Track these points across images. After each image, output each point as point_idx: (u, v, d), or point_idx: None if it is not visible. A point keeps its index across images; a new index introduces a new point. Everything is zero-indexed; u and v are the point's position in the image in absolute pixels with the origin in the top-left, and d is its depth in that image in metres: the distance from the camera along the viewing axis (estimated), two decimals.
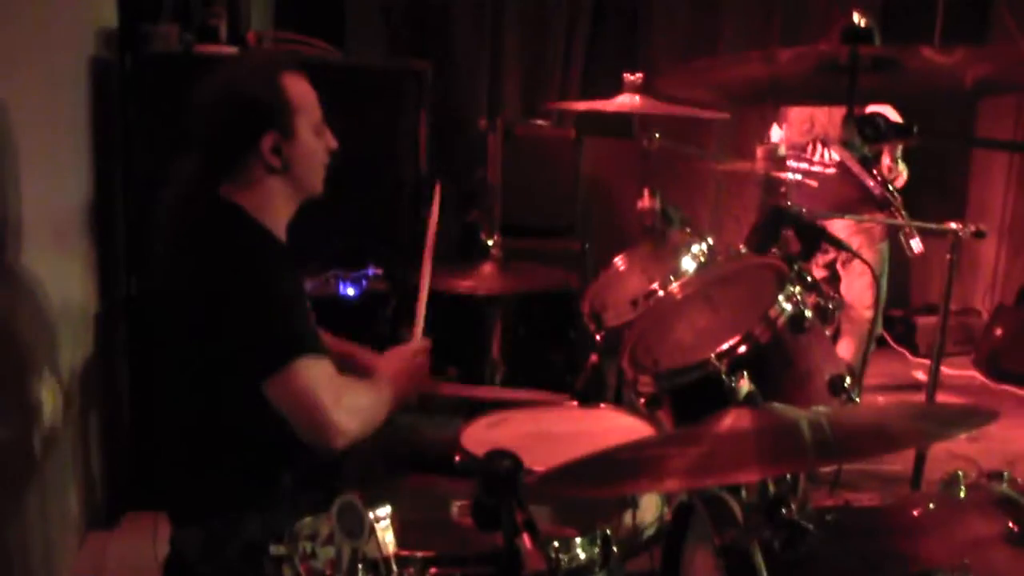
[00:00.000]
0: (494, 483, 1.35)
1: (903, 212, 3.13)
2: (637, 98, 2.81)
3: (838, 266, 4.08)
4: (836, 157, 3.40)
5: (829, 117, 3.91)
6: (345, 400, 1.77)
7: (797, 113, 4.02)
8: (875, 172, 3.44)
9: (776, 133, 4.00)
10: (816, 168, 3.15)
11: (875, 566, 1.48)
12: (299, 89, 1.90)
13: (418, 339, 2.09)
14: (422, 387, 2.07)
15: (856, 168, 3.36)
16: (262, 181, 1.88)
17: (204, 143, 1.91)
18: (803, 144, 3.94)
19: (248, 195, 1.88)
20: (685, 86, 2.51)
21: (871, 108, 3.59)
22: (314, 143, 1.92)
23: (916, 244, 2.84)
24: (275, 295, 1.80)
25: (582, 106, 2.99)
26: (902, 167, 3.96)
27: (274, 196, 1.90)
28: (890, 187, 3.47)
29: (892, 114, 3.60)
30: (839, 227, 3.89)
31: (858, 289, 4.01)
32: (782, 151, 3.05)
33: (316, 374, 1.75)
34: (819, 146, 3.84)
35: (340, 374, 1.81)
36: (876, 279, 3.88)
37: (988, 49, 3.49)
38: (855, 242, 3.98)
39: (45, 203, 2.52)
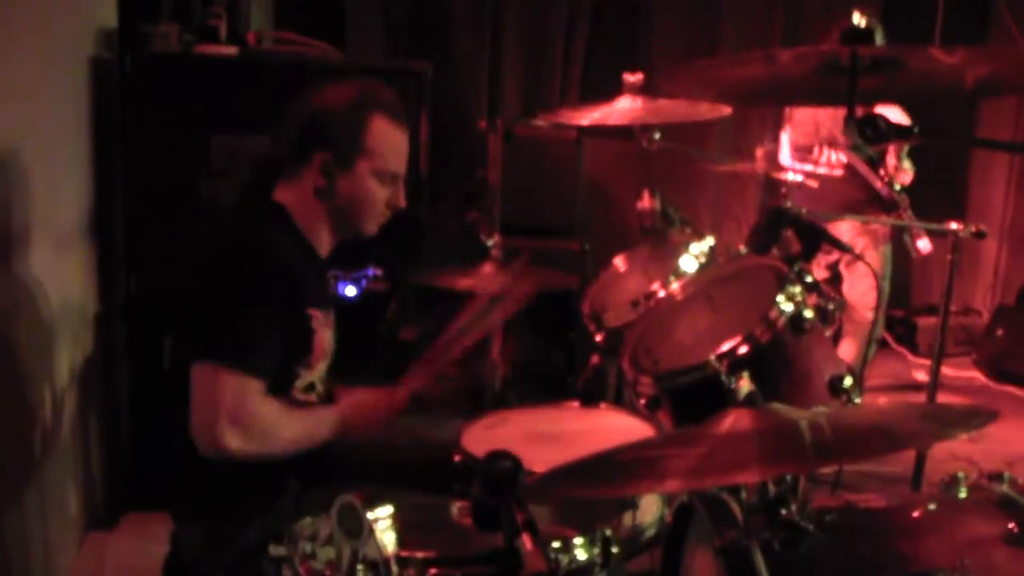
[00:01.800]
0: (494, 484, 1.35)
1: (910, 213, 3.13)
2: (639, 101, 2.80)
3: (841, 267, 4.06)
4: (843, 159, 3.40)
5: (833, 119, 3.90)
6: (246, 419, 1.74)
7: (802, 115, 4.01)
8: (882, 173, 3.45)
9: (786, 137, 4.00)
10: (822, 170, 3.15)
11: (875, 566, 1.48)
12: (383, 135, 1.92)
13: (407, 386, 2.05)
14: (377, 428, 2.01)
15: (864, 170, 3.36)
16: (309, 198, 1.91)
17: (279, 137, 1.94)
18: (809, 146, 3.93)
19: (295, 202, 1.92)
20: (685, 86, 2.51)
21: (879, 109, 3.59)
22: (372, 188, 1.93)
23: (924, 244, 2.84)
24: (253, 297, 1.79)
25: (584, 121, 2.99)
26: (908, 165, 3.94)
27: (316, 216, 1.93)
28: (897, 188, 3.48)
29: (900, 115, 3.60)
30: (844, 228, 3.88)
31: (861, 291, 3.99)
32: (783, 153, 3.05)
33: (233, 387, 1.73)
34: (825, 148, 3.83)
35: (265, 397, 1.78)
36: (878, 281, 3.87)
37: (988, 49, 3.49)
38: (860, 243, 3.96)
39: (45, 203, 2.52)
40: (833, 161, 3.62)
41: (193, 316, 1.85)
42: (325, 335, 1.92)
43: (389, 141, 1.93)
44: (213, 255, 1.89)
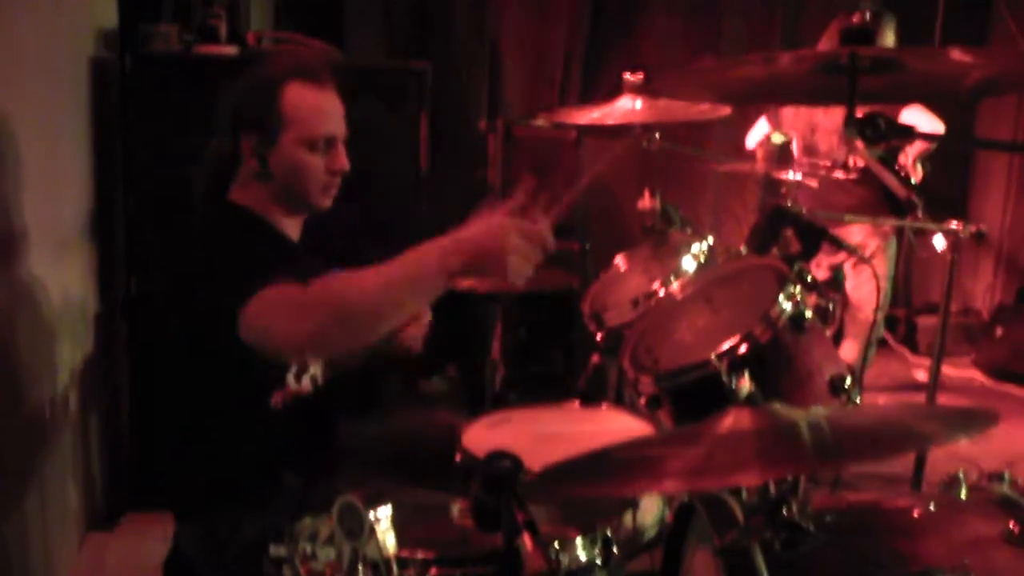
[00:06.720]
0: (494, 484, 1.35)
1: (922, 213, 3.10)
2: (639, 102, 2.80)
3: (848, 267, 4.04)
4: (859, 162, 3.38)
5: (831, 120, 3.88)
6: (296, 315, 1.60)
7: (794, 118, 4.00)
8: (898, 171, 3.43)
9: (761, 129, 3.97)
10: (839, 174, 3.13)
11: (875, 566, 1.48)
12: (299, 101, 1.86)
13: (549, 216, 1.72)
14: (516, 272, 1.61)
15: (880, 171, 3.35)
16: (253, 184, 1.90)
17: (216, 134, 1.92)
18: (816, 148, 3.92)
19: (248, 194, 1.91)
20: (684, 88, 2.50)
21: (906, 111, 3.58)
22: (302, 157, 1.87)
23: (938, 243, 2.83)
24: (238, 258, 1.74)
25: (583, 121, 2.98)
26: (920, 166, 3.91)
27: (267, 201, 1.91)
28: (913, 187, 3.46)
29: (930, 119, 3.61)
30: (855, 230, 3.86)
31: (867, 291, 3.96)
32: (788, 142, 3.03)
33: (264, 302, 1.61)
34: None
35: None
36: (880, 283, 3.86)
37: (990, 51, 3.49)
38: (872, 244, 3.94)
39: (45, 203, 2.52)
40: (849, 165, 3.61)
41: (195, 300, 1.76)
42: None
43: (308, 106, 1.87)
44: (181, 274, 1.88)
